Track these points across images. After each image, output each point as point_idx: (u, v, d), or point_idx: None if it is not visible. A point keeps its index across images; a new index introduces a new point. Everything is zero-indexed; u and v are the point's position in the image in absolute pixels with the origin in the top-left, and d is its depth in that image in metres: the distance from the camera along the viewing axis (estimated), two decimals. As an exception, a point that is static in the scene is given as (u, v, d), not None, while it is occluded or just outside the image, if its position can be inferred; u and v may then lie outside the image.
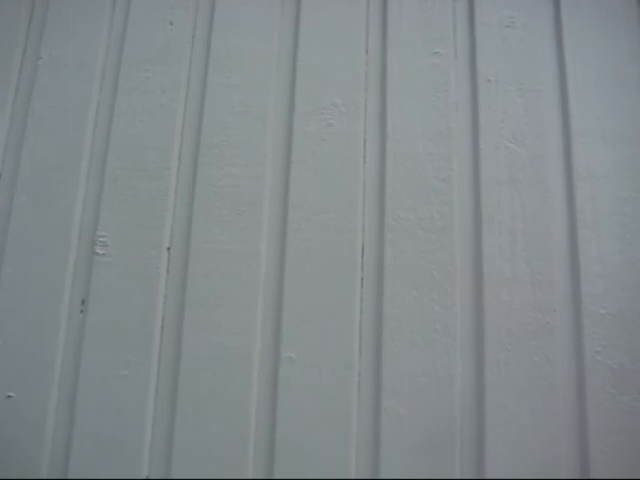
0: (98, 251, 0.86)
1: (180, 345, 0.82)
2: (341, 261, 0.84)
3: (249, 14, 0.95)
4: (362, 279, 0.83)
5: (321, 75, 0.91)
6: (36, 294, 0.85)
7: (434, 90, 0.90)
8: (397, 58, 0.92)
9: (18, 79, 0.94)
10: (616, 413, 0.78)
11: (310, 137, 0.89)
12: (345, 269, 0.83)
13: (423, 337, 0.81)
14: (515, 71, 0.91)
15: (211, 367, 0.81)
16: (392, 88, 0.91)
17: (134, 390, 0.81)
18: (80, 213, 0.87)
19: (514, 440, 0.77)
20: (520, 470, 0.77)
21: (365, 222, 0.85)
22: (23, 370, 0.82)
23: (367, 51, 0.92)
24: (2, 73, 0.93)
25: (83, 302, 0.85)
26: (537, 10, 0.93)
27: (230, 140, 0.89)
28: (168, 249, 0.86)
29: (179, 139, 0.90)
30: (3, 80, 0.93)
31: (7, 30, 0.96)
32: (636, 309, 0.81)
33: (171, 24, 0.95)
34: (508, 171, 0.87)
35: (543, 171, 0.86)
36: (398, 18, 0.93)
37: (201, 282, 0.84)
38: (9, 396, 0.82)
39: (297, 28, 0.93)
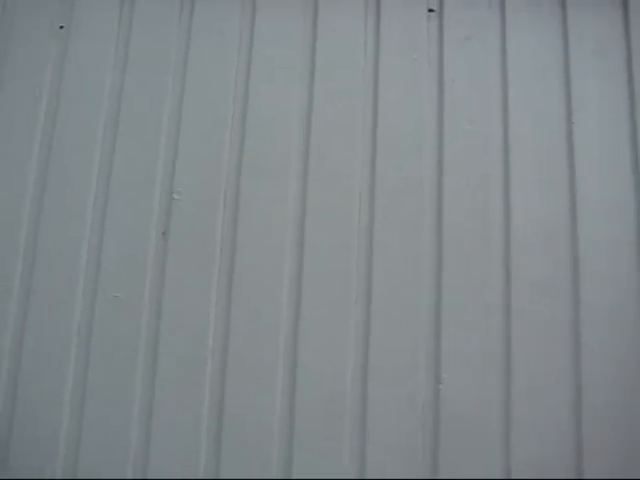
0: (175, 197, 1.23)
1: (234, 262, 1.19)
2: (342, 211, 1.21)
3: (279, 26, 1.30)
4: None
5: (333, 72, 1.27)
6: (133, 226, 1.21)
7: (412, 85, 1.27)
8: (386, 61, 1.28)
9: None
10: None
11: (326, 114, 1.25)
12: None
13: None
14: (471, 73, 1.27)
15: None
16: (382, 83, 1.27)
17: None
18: (162, 172, 1.25)
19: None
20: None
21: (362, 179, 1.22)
22: (124, 275, 1.19)
23: (365, 55, 1.28)
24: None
25: (164, 233, 1.22)
26: (488, 29, 1.29)
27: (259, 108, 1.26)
28: (224, 196, 1.23)
29: (230, 123, 1.26)
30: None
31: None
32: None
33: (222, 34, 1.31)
34: (464, 144, 1.24)
35: (487, 143, 1.24)
36: (387, 33, 1.28)
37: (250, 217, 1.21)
38: (115, 296, 1.19)
39: (315, 39, 1.29)
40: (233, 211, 1.22)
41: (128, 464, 1.13)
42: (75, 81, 1.30)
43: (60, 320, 1.19)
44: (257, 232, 1.21)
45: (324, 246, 1.20)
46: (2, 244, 1.22)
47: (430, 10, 1.30)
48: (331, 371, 1.14)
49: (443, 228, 1.20)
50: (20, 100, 1.30)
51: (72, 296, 1.20)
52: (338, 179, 1.22)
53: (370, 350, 1.15)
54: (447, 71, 1.27)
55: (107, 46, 1.32)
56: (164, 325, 1.18)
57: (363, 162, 1.23)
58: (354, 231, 1.20)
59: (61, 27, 1.34)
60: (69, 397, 1.17)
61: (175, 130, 1.27)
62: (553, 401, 1.13)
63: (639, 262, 1.18)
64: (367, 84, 1.27)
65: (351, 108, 1.25)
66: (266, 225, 1.21)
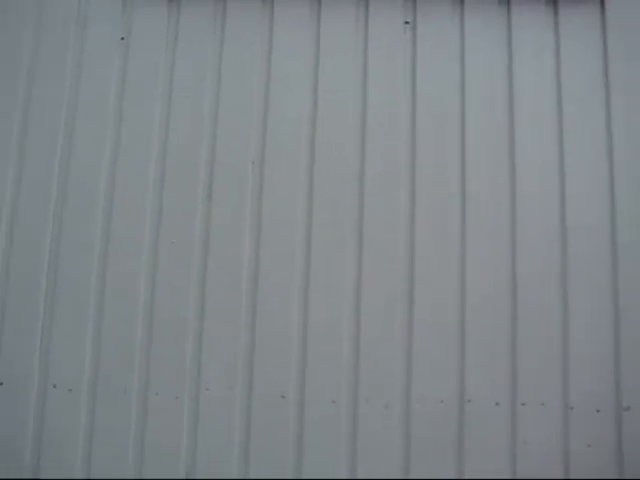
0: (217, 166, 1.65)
1: (261, 215, 1.61)
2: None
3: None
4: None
5: (333, 75, 1.68)
6: (184, 190, 1.63)
7: (392, 79, 1.67)
8: (373, 61, 1.68)
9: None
10: None
11: (327, 104, 1.66)
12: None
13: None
14: (434, 70, 1.67)
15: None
16: (371, 75, 1.67)
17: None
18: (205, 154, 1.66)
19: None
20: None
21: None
22: (179, 226, 1.61)
23: (354, 60, 1.69)
24: None
25: (208, 196, 1.63)
26: (451, 38, 1.69)
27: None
28: (252, 166, 1.64)
29: (255, 111, 1.67)
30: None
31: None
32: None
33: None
34: (431, 126, 1.65)
35: (447, 127, 1.64)
36: (373, 41, 1.69)
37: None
38: (172, 242, 1.61)
39: (318, 49, 1.69)
40: (259, 177, 1.64)
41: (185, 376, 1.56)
42: (135, 86, 1.70)
43: (132, 259, 1.61)
44: (277, 193, 1.63)
45: (328, 191, 1.62)
46: (84, 197, 1.64)
47: (406, 22, 1.70)
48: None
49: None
50: (90, 102, 1.70)
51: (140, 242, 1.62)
52: (335, 155, 1.64)
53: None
54: (419, 69, 1.68)
55: (158, 56, 1.72)
56: (210, 263, 1.60)
57: (354, 140, 1.64)
58: (347, 196, 1.62)
59: (122, 39, 1.74)
60: (141, 320, 1.59)
61: (213, 121, 1.68)
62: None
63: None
64: (358, 80, 1.68)
65: (345, 100, 1.67)
66: (283, 188, 1.63)
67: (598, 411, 1.53)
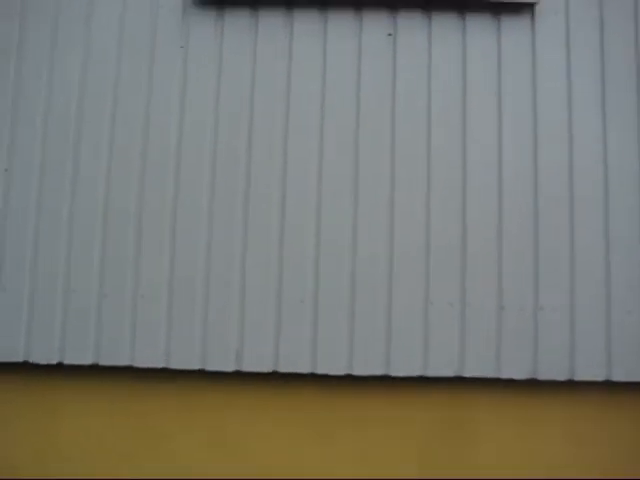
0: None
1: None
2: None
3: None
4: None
5: (339, 66, 2.33)
6: (234, 147, 2.29)
7: (378, 74, 2.32)
8: (365, 60, 2.33)
9: None
10: None
11: (331, 95, 2.31)
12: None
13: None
14: (411, 67, 2.32)
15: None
16: (363, 69, 2.32)
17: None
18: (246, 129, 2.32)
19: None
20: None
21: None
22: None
23: (352, 64, 2.33)
24: None
25: (248, 148, 2.29)
26: (417, 43, 2.34)
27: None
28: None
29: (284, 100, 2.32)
30: None
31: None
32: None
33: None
34: (404, 99, 2.30)
35: (415, 98, 2.30)
36: (364, 47, 2.33)
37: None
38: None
39: (325, 57, 2.34)
40: (284, 139, 2.30)
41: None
42: (193, 91, 2.34)
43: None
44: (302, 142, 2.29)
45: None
46: (161, 155, 2.29)
47: (389, 34, 2.34)
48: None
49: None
50: (161, 94, 2.35)
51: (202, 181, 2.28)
52: (342, 112, 2.30)
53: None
54: (399, 65, 2.34)
55: (207, 60, 2.36)
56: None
57: (352, 107, 2.32)
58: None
59: (181, 47, 2.37)
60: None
61: (251, 103, 2.33)
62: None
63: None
64: (354, 73, 2.34)
65: (344, 86, 2.33)
66: (305, 138, 2.29)
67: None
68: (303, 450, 2.20)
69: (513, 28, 2.39)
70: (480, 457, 2.20)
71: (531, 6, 2.36)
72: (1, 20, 2.40)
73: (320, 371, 2.19)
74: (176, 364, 2.21)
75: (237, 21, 2.39)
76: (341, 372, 2.19)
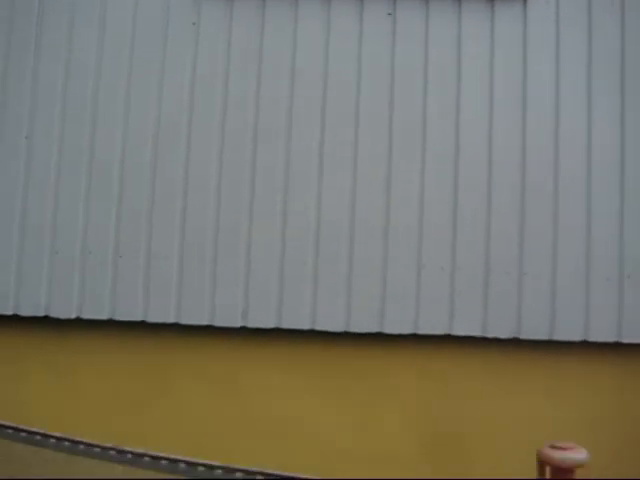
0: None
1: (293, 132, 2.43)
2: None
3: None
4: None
5: (344, 42, 2.48)
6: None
7: (372, 59, 2.47)
8: (367, 38, 2.48)
9: None
10: None
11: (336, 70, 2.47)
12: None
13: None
14: (409, 45, 2.48)
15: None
16: (364, 46, 2.47)
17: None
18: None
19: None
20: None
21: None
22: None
23: (354, 36, 2.48)
24: None
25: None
26: (415, 23, 2.49)
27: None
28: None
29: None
30: None
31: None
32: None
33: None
34: (403, 71, 2.46)
35: (414, 71, 2.46)
36: (366, 25, 2.48)
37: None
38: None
39: (329, 30, 2.48)
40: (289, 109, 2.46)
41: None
42: (204, 68, 2.49)
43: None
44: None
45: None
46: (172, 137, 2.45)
47: (389, 14, 2.50)
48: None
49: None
50: (174, 69, 2.50)
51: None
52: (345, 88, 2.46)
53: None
54: (397, 54, 2.49)
55: (218, 37, 2.50)
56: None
57: (354, 76, 2.48)
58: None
59: (193, 23, 2.52)
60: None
61: (258, 79, 2.48)
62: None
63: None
64: (356, 48, 2.49)
65: (349, 58, 2.49)
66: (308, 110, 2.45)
67: (508, 271, 2.39)
68: (303, 399, 2.39)
69: (506, 13, 2.54)
70: (466, 409, 2.39)
71: (523, -8, 2.52)
72: (21, 14, 2.53)
73: (320, 328, 2.37)
74: (186, 320, 2.39)
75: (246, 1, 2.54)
76: (339, 329, 2.37)
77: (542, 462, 1.35)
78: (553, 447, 1.33)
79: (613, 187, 2.45)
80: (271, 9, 2.53)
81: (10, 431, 1.38)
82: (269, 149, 2.46)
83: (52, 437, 1.37)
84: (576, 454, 1.31)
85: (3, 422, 1.41)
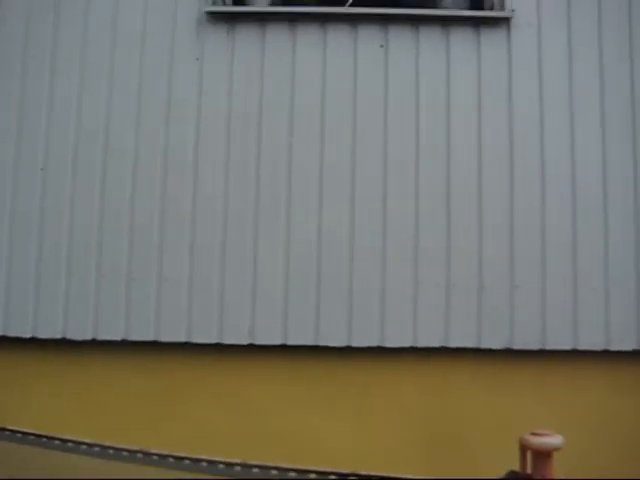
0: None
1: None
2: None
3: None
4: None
5: (340, 71, 2.63)
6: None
7: (373, 77, 2.63)
8: (362, 67, 2.64)
9: None
10: None
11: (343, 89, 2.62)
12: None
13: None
14: (401, 73, 2.63)
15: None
16: (360, 75, 2.63)
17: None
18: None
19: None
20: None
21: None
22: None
23: (349, 71, 2.64)
24: None
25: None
26: (406, 53, 2.64)
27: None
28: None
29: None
30: None
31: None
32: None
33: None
34: (396, 97, 2.61)
35: (405, 98, 2.61)
36: (360, 57, 2.64)
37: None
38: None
39: (325, 59, 2.64)
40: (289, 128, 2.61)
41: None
42: (212, 93, 2.65)
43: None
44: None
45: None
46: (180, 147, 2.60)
47: (381, 45, 2.65)
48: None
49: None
50: (180, 101, 2.65)
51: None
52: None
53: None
54: (390, 67, 2.65)
55: (220, 70, 2.66)
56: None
57: (349, 103, 2.65)
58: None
59: (197, 59, 2.67)
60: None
61: (260, 108, 2.63)
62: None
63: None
64: (351, 77, 2.65)
65: (344, 88, 2.65)
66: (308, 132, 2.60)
67: (500, 285, 2.53)
68: (308, 411, 2.52)
69: (491, 39, 2.70)
70: (463, 412, 2.52)
71: (507, 20, 2.67)
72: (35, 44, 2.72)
73: (323, 343, 2.50)
74: (197, 338, 2.53)
75: (246, 34, 2.69)
76: (342, 344, 2.51)
77: (524, 448, 1.55)
78: (533, 434, 1.53)
79: (597, 204, 2.60)
80: (271, 42, 2.69)
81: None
82: (272, 177, 2.62)
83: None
84: (553, 439, 1.51)
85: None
